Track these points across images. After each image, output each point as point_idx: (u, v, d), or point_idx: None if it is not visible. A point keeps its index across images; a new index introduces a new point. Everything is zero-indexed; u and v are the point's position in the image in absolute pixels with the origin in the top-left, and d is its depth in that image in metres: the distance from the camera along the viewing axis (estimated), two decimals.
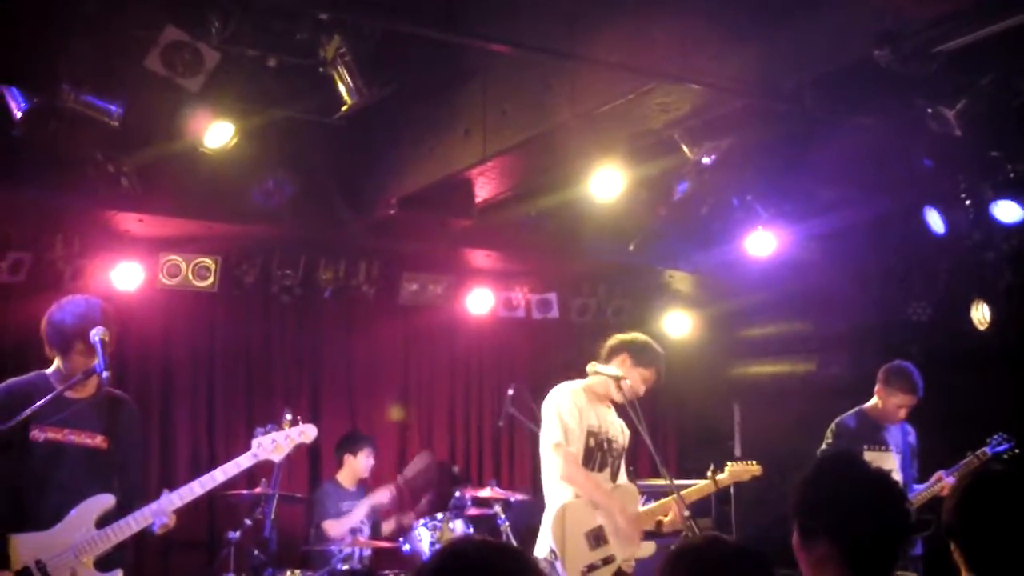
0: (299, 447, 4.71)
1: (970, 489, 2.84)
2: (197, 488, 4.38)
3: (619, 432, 5.57)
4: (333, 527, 7.39)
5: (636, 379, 5.46)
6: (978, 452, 6.66)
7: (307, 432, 4.69)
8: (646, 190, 7.00)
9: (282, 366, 8.25)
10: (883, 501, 2.75)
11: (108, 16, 5.05)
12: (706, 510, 8.10)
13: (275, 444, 4.59)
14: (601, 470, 5.40)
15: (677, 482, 5.49)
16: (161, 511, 4.29)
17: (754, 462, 5.97)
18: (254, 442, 4.59)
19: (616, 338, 5.64)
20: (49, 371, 4.39)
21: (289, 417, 4.74)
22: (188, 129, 5.73)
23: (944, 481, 6.50)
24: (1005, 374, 7.46)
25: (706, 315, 9.30)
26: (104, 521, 4.24)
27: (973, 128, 5.27)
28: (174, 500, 4.32)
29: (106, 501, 4.28)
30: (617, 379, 5.28)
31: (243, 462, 4.52)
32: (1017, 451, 6.71)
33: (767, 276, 7.93)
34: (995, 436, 6.74)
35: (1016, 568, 2.69)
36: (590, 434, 5.36)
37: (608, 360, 5.51)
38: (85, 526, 4.20)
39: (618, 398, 5.34)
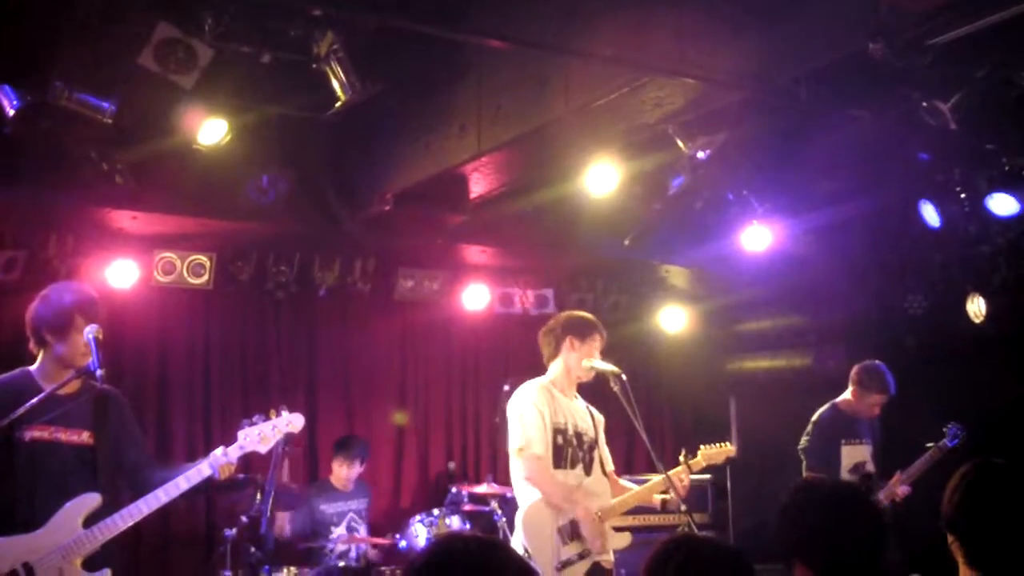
0: (289, 437, 4.57)
1: (973, 483, 2.80)
2: (183, 483, 4.28)
3: (588, 423, 5.42)
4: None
5: (585, 355, 5.35)
6: (939, 444, 6.75)
7: (294, 422, 4.56)
8: (641, 185, 6.99)
9: (278, 364, 8.24)
10: (852, 522, 2.77)
11: (101, 13, 5.03)
12: (703, 505, 8.12)
13: (261, 435, 4.48)
14: (573, 466, 5.29)
15: (655, 477, 5.43)
16: (157, 501, 4.23)
17: (728, 443, 5.70)
18: (240, 434, 4.48)
19: (550, 329, 5.53)
20: (33, 368, 4.33)
21: (275, 411, 4.60)
22: (182, 126, 5.71)
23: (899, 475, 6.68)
24: (1001, 367, 7.46)
25: (702, 310, 9.31)
26: (91, 520, 4.17)
27: (968, 121, 5.25)
28: (160, 496, 4.23)
29: (92, 500, 4.20)
30: (616, 375, 5.18)
31: (232, 452, 4.41)
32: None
33: (763, 270, 7.92)
34: (950, 427, 6.79)
35: (1019, 563, 2.67)
36: (557, 432, 5.26)
37: (556, 354, 5.44)
38: (71, 526, 4.13)
39: (616, 389, 5.20)
